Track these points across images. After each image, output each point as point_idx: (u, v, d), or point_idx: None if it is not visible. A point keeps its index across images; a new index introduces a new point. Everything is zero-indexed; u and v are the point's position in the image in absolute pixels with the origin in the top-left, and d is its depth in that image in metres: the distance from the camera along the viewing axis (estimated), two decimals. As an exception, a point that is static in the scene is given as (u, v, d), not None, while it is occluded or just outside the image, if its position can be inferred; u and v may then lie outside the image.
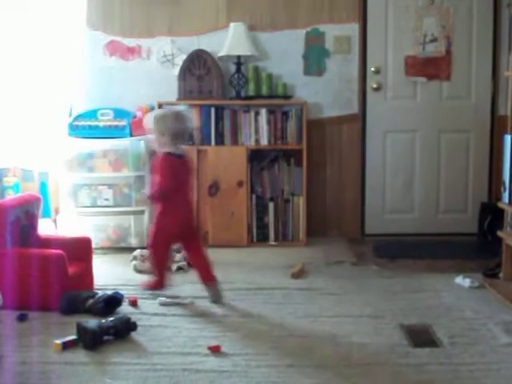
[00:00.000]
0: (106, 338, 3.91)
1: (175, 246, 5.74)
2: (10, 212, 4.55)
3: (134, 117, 6.27)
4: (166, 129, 4.58)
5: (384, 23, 6.50)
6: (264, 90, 6.39)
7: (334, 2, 6.46)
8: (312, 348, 3.85)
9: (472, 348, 3.84)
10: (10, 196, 5.81)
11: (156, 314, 4.40)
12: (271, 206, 6.32)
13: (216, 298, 4.65)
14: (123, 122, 6.18)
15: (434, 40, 6.50)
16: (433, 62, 6.53)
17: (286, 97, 6.36)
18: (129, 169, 6.13)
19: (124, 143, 6.11)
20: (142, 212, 6.14)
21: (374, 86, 6.53)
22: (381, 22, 6.50)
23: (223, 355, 3.76)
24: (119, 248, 6.09)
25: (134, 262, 5.52)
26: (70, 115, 6.35)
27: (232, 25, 6.28)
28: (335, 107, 6.55)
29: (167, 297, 4.69)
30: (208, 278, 4.71)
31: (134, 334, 4.01)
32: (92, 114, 6.26)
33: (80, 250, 4.89)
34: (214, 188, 6.22)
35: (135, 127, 6.18)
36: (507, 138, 4.97)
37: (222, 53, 6.28)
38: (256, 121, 6.27)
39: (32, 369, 3.59)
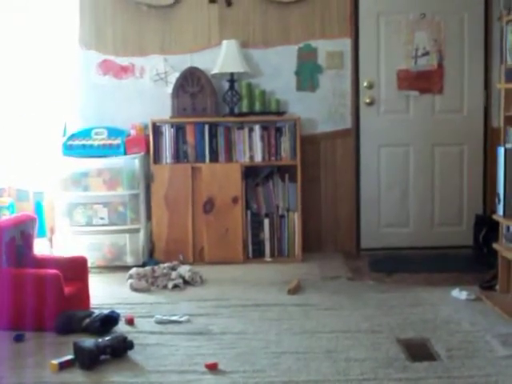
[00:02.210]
0: (102, 357, 3.89)
1: (171, 264, 5.77)
2: (6, 232, 4.55)
3: (128, 135, 6.28)
4: None
5: (376, 38, 6.52)
6: (257, 107, 6.41)
7: (326, 17, 6.49)
8: (309, 364, 3.84)
9: (470, 361, 3.83)
10: (6, 216, 5.81)
11: (152, 333, 4.39)
12: (266, 222, 6.32)
13: None
14: (117, 141, 6.20)
15: (426, 54, 6.53)
16: (425, 76, 6.55)
17: (280, 113, 6.37)
18: (123, 187, 6.14)
19: (118, 162, 6.12)
20: (137, 230, 6.14)
21: (367, 100, 6.55)
22: (373, 36, 6.52)
23: (220, 373, 3.75)
24: (115, 267, 6.08)
25: (130, 281, 5.51)
26: (65, 135, 6.36)
27: (224, 42, 6.30)
28: (329, 122, 6.56)
29: (163, 315, 4.68)
30: None
31: (130, 353, 4.00)
32: (86, 133, 6.28)
33: (76, 269, 4.88)
34: (208, 205, 6.22)
35: (129, 145, 6.19)
36: (500, 150, 4.98)
37: (215, 70, 6.30)
38: (250, 137, 6.28)
39: (29, 389, 3.59)
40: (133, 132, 6.32)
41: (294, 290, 5.28)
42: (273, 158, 6.32)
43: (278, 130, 6.30)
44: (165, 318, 4.62)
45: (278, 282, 5.56)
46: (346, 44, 6.51)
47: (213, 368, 3.78)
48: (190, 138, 6.26)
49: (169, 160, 6.26)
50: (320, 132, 6.57)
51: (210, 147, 6.27)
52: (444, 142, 6.63)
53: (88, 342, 3.93)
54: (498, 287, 5.15)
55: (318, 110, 6.55)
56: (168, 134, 6.25)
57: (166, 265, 5.78)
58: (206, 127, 6.27)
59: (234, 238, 6.24)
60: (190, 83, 6.35)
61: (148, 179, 6.24)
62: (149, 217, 6.28)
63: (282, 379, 3.64)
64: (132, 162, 6.12)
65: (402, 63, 6.53)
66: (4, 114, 6.14)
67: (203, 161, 6.28)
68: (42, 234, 6.02)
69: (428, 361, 3.86)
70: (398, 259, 6.34)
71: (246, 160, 6.29)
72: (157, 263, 5.89)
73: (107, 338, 3.99)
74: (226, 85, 6.38)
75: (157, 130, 6.26)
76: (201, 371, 3.76)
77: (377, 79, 6.56)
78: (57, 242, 6.12)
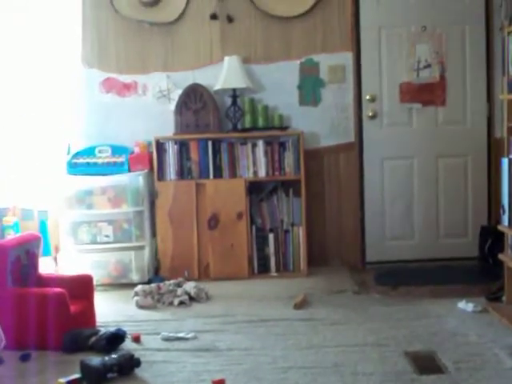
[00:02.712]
0: (109, 375, 3.89)
1: (177, 281, 5.77)
2: (11, 252, 4.55)
3: (132, 153, 6.29)
4: None
5: (377, 51, 6.53)
6: (260, 122, 6.41)
7: (327, 31, 6.50)
8: (317, 379, 3.83)
9: (478, 373, 3.82)
10: (10, 236, 5.82)
11: (159, 350, 4.39)
12: (271, 237, 6.32)
13: None
14: (121, 159, 6.21)
15: (428, 66, 6.54)
16: (427, 88, 6.55)
17: (283, 128, 6.38)
18: (128, 204, 6.14)
19: (123, 179, 6.13)
20: (142, 247, 6.14)
21: (370, 113, 6.56)
22: (374, 50, 6.53)
23: (228, 389, 3.75)
24: (120, 284, 6.08)
25: (135, 298, 5.51)
26: (69, 153, 6.37)
27: (226, 58, 6.32)
28: (332, 136, 6.57)
29: (170, 332, 4.67)
30: None
31: (137, 371, 4.00)
32: (90, 152, 6.29)
33: (81, 287, 4.88)
34: (213, 221, 6.22)
35: (133, 163, 6.20)
36: (504, 161, 4.99)
37: (218, 86, 6.31)
38: (253, 153, 6.29)
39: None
40: (136, 149, 6.33)
41: (300, 305, 5.28)
42: (277, 173, 6.32)
43: (282, 145, 6.31)
44: (171, 334, 4.62)
45: (283, 296, 5.55)
46: (347, 58, 6.52)
47: (220, 384, 3.78)
48: (194, 154, 6.27)
49: (173, 177, 6.27)
50: (323, 146, 6.58)
51: (214, 163, 6.28)
52: (448, 154, 6.62)
53: (95, 360, 3.93)
54: (504, 298, 5.14)
55: (320, 124, 6.55)
56: (171, 150, 6.26)
57: (171, 281, 5.78)
58: (210, 143, 6.27)
59: (239, 254, 6.23)
60: (193, 100, 6.36)
61: (152, 196, 6.25)
62: (154, 234, 6.28)
63: (290, 394, 3.64)
64: (136, 180, 6.13)
65: (404, 76, 6.54)
66: (8, 133, 6.15)
67: (207, 177, 6.28)
68: (46, 252, 6.03)
69: (436, 373, 3.85)
70: (403, 272, 6.33)
71: (249, 175, 6.29)
72: (162, 280, 5.89)
73: (114, 356, 3.99)
74: (229, 101, 6.39)
75: (160, 146, 6.28)
76: (208, 388, 3.76)
77: (379, 92, 6.56)
78: (62, 261, 6.11)
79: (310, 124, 6.52)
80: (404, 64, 6.53)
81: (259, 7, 6.44)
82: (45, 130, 6.33)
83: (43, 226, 6.24)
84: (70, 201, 6.11)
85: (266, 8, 6.45)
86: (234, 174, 6.30)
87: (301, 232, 6.30)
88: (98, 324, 4.88)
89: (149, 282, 5.97)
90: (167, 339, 4.57)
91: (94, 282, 5.10)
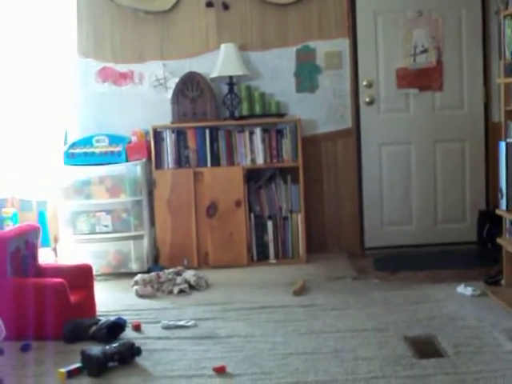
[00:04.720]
0: (110, 364, 3.90)
1: (176, 269, 5.78)
2: (10, 243, 4.55)
3: (129, 142, 6.29)
4: None
5: (374, 37, 6.53)
6: (257, 109, 6.41)
7: (323, 17, 6.50)
8: (317, 364, 3.84)
9: (477, 357, 3.83)
10: (9, 227, 5.83)
11: (160, 338, 4.40)
12: (270, 224, 6.33)
13: None
14: (119, 148, 6.20)
15: (425, 51, 6.53)
16: (424, 73, 6.55)
17: (280, 115, 6.38)
18: (126, 194, 6.14)
19: (120, 169, 6.13)
20: (141, 237, 6.15)
21: (367, 99, 6.55)
22: (370, 35, 6.52)
23: (229, 376, 3.76)
24: (120, 274, 6.09)
25: (135, 287, 5.52)
26: (66, 143, 6.37)
27: (223, 46, 6.31)
28: (329, 123, 6.57)
29: (170, 320, 4.68)
30: None
31: (138, 359, 4.00)
32: (87, 141, 6.29)
33: (81, 277, 4.88)
34: (212, 209, 6.22)
35: (131, 152, 6.19)
36: (502, 144, 4.98)
37: (214, 74, 6.30)
38: (251, 140, 6.29)
39: (38, 399, 3.59)
40: (134, 138, 6.32)
41: (300, 291, 5.29)
42: (274, 160, 6.32)
43: (279, 132, 6.31)
44: (171, 323, 4.63)
45: (283, 283, 5.56)
46: (344, 44, 6.52)
47: (221, 371, 3.78)
48: (191, 142, 6.27)
49: (171, 165, 6.27)
50: (321, 132, 6.58)
51: (212, 151, 6.28)
52: (445, 139, 6.63)
53: (95, 349, 3.94)
54: (503, 282, 5.16)
55: (318, 110, 6.55)
56: (169, 139, 6.26)
57: (170, 270, 5.78)
58: (207, 131, 6.27)
59: (238, 242, 6.24)
60: (190, 88, 6.36)
61: (150, 185, 6.25)
62: (152, 223, 6.28)
63: (290, 380, 3.64)
64: (134, 169, 6.13)
65: (401, 61, 6.54)
66: (5, 124, 6.15)
67: (205, 165, 6.28)
68: (46, 243, 6.03)
69: (435, 357, 3.85)
70: (402, 257, 6.35)
71: (247, 163, 6.29)
72: (162, 269, 5.90)
73: (114, 345, 3.99)
74: (226, 88, 6.38)
75: (158, 135, 6.27)
76: (209, 375, 3.76)
77: (376, 78, 6.56)
78: (61, 251, 6.12)
79: (308, 111, 6.52)
80: (400, 49, 6.53)
81: (255, -6, 6.44)
82: (42, 121, 6.32)
83: (42, 216, 6.25)
84: (68, 191, 6.11)
85: (262, -5, 6.44)
86: (231, 162, 6.30)
87: (299, 219, 6.31)
88: (98, 313, 4.88)
89: (148, 271, 5.99)
90: (167, 327, 4.58)
91: (94, 272, 5.10)
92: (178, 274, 5.74)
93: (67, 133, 6.45)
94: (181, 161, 6.29)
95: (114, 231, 6.17)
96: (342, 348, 4.07)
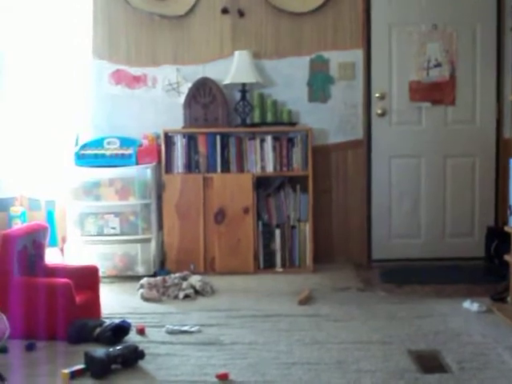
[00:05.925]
0: (113, 366, 3.90)
1: (182, 274, 5.78)
2: (18, 241, 4.56)
3: (140, 145, 6.30)
4: None
5: (388, 49, 6.53)
6: (269, 117, 6.42)
7: (338, 28, 6.50)
8: (320, 375, 3.83)
9: (481, 373, 3.81)
10: (18, 225, 5.84)
11: (163, 343, 4.40)
12: (277, 232, 6.32)
13: None
14: (129, 151, 6.21)
15: (438, 65, 6.53)
16: (437, 87, 6.55)
17: (291, 123, 6.38)
18: (135, 197, 6.15)
19: (130, 171, 6.14)
20: (148, 240, 6.15)
21: (379, 111, 6.55)
22: (384, 47, 6.53)
23: (231, 383, 3.75)
24: (126, 276, 6.10)
25: (141, 291, 5.52)
26: (77, 144, 6.38)
27: (237, 53, 6.32)
28: (340, 133, 6.57)
29: (174, 325, 4.68)
30: None
31: (141, 363, 4.01)
32: (98, 143, 6.30)
33: (87, 278, 4.89)
34: (220, 215, 6.22)
35: (141, 155, 6.21)
36: (512, 161, 4.98)
37: (227, 80, 6.31)
38: (261, 148, 6.29)
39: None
40: (145, 142, 6.34)
41: (305, 301, 5.28)
42: (284, 169, 6.32)
43: (290, 141, 6.31)
44: (176, 328, 4.62)
45: (288, 292, 5.56)
46: (357, 55, 6.52)
47: (224, 378, 3.78)
48: (202, 148, 6.28)
49: (180, 170, 6.28)
50: (331, 143, 6.58)
51: (222, 157, 6.28)
52: (456, 154, 6.62)
53: (99, 351, 3.94)
54: (509, 299, 5.13)
55: (329, 120, 6.55)
56: (180, 144, 6.27)
57: (177, 275, 5.78)
58: (218, 137, 6.28)
59: (245, 249, 6.24)
60: (202, 93, 6.37)
61: (160, 189, 6.26)
62: (160, 227, 6.29)
63: (293, 390, 3.64)
64: (144, 172, 6.14)
65: (414, 74, 6.53)
66: (16, 123, 6.16)
67: (215, 171, 6.29)
68: (53, 243, 6.04)
69: (439, 373, 3.84)
70: (409, 270, 6.33)
71: (257, 170, 6.30)
72: (168, 273, 5.90)
73: (118, 348, 4.00)
74: (238, 95, 6.39)
75: (169, 139, 6.28)
76: (211, 381, 3.76)
77: (389, 90, 6.56)
78: (68, 252, 6.13)
79: (319, 120, 6.52)
80: (414, 62, 6.52)
81: (271, 2, 6.44)
82: (54, 121, 6.33)
83: (50, 216, 6.25)
84: (78, 192, 6.12)
85: (278, 3, 6.44)
86: (241, 169, 6.30)
87: (307, 228, 6.30)
88: (102, 315, 4.88)
89: (154, 274, 5.99)
90: (171, 332, 4.58)
91: (100, 274, 5.11)
92: (184, 278, 5.74)
93: (79, 134, 6.46)
94: (191, 166, 6.29)
95: (122, 234, 6.17)
96: (346, 359, 4.06)
